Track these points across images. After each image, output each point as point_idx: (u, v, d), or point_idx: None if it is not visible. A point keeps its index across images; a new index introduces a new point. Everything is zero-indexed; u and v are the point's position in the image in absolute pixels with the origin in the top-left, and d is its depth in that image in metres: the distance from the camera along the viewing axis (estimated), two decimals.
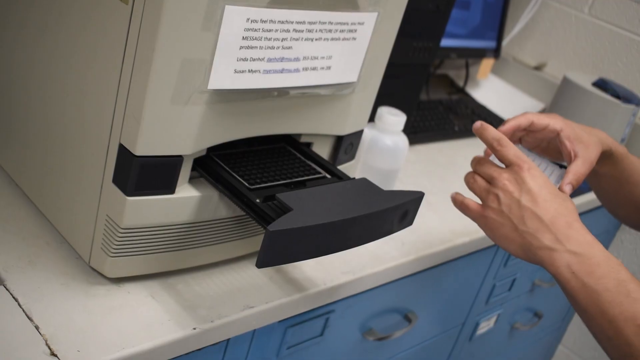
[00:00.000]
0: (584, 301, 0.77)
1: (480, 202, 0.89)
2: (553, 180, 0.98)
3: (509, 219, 0.82)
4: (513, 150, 0.85)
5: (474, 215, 0.88)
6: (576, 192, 1.59)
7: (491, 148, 0.87)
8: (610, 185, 1.05)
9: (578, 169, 0.93)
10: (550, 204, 0.81)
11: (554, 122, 0.98)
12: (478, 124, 0.88)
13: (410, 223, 0.91)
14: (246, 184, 0.83)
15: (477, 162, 0.90)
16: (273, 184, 0.85)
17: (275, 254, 0.74)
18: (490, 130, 0.87)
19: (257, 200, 0.80)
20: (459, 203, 0.90)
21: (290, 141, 0.95)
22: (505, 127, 0.95)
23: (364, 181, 0.89)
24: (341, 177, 0.91)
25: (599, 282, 0.75)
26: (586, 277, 0.76)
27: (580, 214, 1.59)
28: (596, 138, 0.98)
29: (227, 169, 0.85)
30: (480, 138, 0.88)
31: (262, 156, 0.90)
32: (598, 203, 1.66)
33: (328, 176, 0.92)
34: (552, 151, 1.01)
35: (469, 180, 0.89)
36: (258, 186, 0.84)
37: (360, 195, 0.85)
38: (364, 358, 1.24)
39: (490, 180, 0.86)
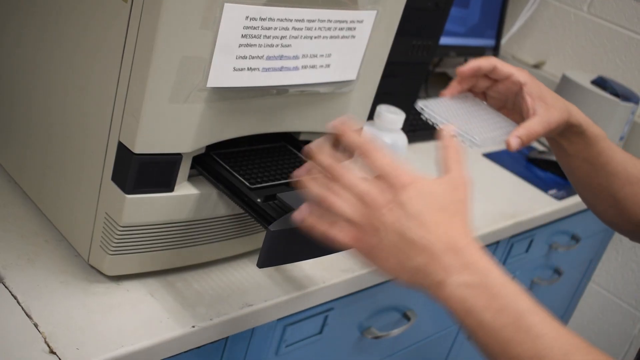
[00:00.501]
0: (483, 340, 0.64)
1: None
2: (501, 135, 0.88)
3: (394, 256, 0.64)
4: (386, 160, 0.66)
5: (349, 247, 0.67)
6: (572, 191, 1.59)
7: (360, 153, 0.68)
8: (583, 170, 0.96)
9: (531, 124, 0.86)
10: (439, 228, 0.64)
11: (519, 73, 0.90)
12: (337, 121, 0.69)
13: None
14: (247, 183, 0.83)
15: (331, 171, 0.68)
16: (274, 183, 0.85)
17: (277, 254, 0.74)
18: (350, 133, 0.69)
19: (258, 200, 0.80)
20: (324, 229, 0.67)
21: (290, 140, 0.95)
22: (466, 67, 0.88)
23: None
24: None
25: (497, 318, 0.62)
26: (483, 312, 0.62)
27: (577, 213, 1.60)
28: (562, 104, 0.90)
29: (228, 168, 0.84)
30: (340, 140, 0.70)
31: (262, 155, 0.90)
32: None
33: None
34: (518, 115, 0.92)
35: (334, 205, 0.66)
36: (259, 185, 0.83)
37: None
38: (363, 356, 1.24)
39: (361, 200, 0.65)
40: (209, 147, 0.83)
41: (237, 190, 0.82)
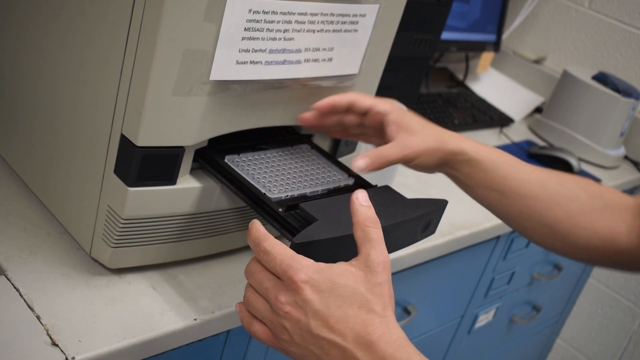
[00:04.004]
0: None
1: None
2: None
3: (309, 351, 0.63)
4: (280, 259, 0.64)
5: (267, 344, 0.67)
6: None
7: (255, 254, 0.67)
8: (495, 200, 0.90)
9: (384, 148, 0.82)
10: (344, 324, 0.61)
11: (381, 104, 0.86)
12: (250, 223, 0.68)
13: (432, 232, 0.88)
14: (267, 193, 0.81)
15: (248, 271, 0.67)
16: (294, 192, 0.83)
17: None
18: (253, 231, 0.67)
19: (280, 210, 0.78)
20: (246, 325, 0.68)
21: (310, 143, 0.94)
22: (321, 103, 0.85)
23: (387, 189, 0.86)
24: (363, 184, 0.89)
25: None
26: None
27: None
28: (433, 132, 0.86)
29: (246, 175, 0.83)
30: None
31: (281, 160, 0.89)
32: None
33: (349, 183, 0.90)
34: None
35: (248, 302, 0.67)
36: (279, 194, 0.82)
37: (384, 204, 0.82)
38: None
39: (266, 299, 0.65)
40: (227, 149, 0.83)
41: (258, 199, 0.80)
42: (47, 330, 0.73)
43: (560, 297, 1.96)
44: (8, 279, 0.78)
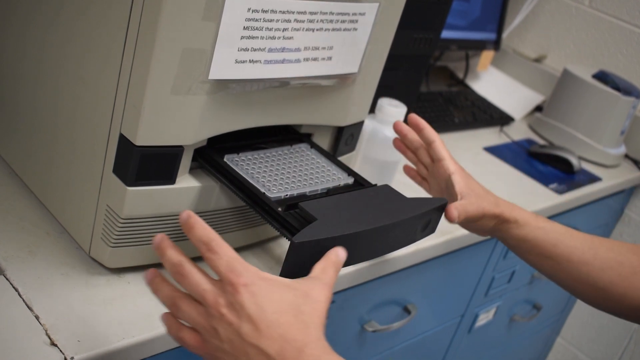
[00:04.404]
0: None
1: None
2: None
3: (235, 358, 0.62)
4: (225, 259, 0.64)
5: (196, 352, 0.66)
6: (573, 185, 1.59)
7: (200, 252, 0.65)
8: (549, 266, 0.95)
9: (465, 205, 0.89)
10: (275, 330, 0.61)
11: (451, 161, 0.95)
12: (185, 215, 0.65)
13: (432, 231, 0.89)
14: (266, 192, 0.81)
15: (177, 269, 0.65)
16: (293, 191, 0.83)
17: (300, 265, 0.71)
18: (197, 228, 0.65)
19: (279, 209, 0.78)
20: (174, 336, 0.66)
21: (309, 142, 0.94)
22: (415, 116, 0.96)
23: (387, 188, 0.87)
24: (363, 183, 0.89)
25: None
26: None
27: (578, 207, 1.60)
28: (493, 199, 0.94)
29: (245, 174, 0.83)
30: (186, 235, 0.66)
31: (280, 159, 0.89)
32: (596, 196, 1.66)
33: (349, 182, 0.90)
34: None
35: (170, 307, 0.66)
36: (279, 193, 0.82)
37: (383, 204, 0.83)
38: (364, 350, 1.24)
39: (202, 300, 0.64)
40: (224, 149, 0.83)
41: (257, 199, 0.80)
42: (46, 330, 0.73)
43: (561, 296, 1.95)
44: (7, 279, 0.78)
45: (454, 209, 0.88)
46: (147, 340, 0.77)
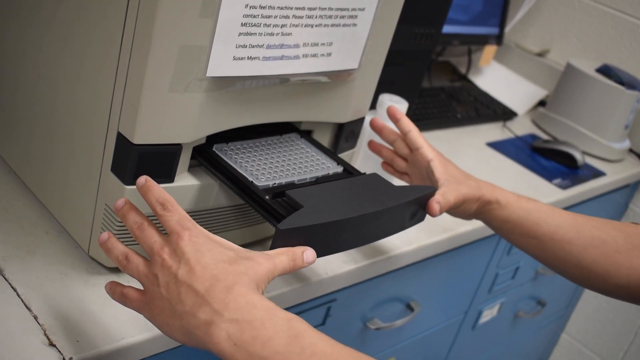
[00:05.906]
0: None
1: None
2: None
3: (167, 301, 0.65)
4: (177, 217, 0.68)
5: (137, 306, 0.69)
6: (577, 180, 1.58)
7: (155, 212, 0.69)
8: (532, 246, 0.95)
9: (445, 194, 0.89)
10: (207, 271, 0.64)
11: (428, 148, 0.96)
12: (142, 179, 0.71)
13: (421, 219, 0.90)
14: (254, 181, 0.81)
15: (138, 225, 0.69)
16: (282, 180, 0.83)
17: None
18: (155, 190, 0.70)
19: (267, 197, 0.79)
20: (118, 295, 0.70)
21: (299, 132, 0.94)
22: (393, 107, 0.96)
23: (375, 176, 0.87)
24: (352, 172, 0.90)
25: (266, 347, 0.61)
26: (250, 345, 0.61)
27: (582, 202, 1.59)
28: (474, 183, 0.94)
29: (234, 164, 0.83)
30: (143, 198, 0.71)
31: (270, 149, 0.89)
32: (600, 191, 1.65)
33: (338, 171, 0.90)
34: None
35: (121, 261, 0.69)
36: (267, 182, 0.82)
37: (371, 192, 0.83)
38: (366, 347, 1.24)
39: (150, 251, 0.68)
40: (215, 139, 0.82)
41: (244, 187, 0.80)
42: (44, 331, 0.73)
43: (565, 292, 1.95)
44: (5, 278, 0.78)
45: (435, 202, 0.88)
46: (145, 341, 0.76)
